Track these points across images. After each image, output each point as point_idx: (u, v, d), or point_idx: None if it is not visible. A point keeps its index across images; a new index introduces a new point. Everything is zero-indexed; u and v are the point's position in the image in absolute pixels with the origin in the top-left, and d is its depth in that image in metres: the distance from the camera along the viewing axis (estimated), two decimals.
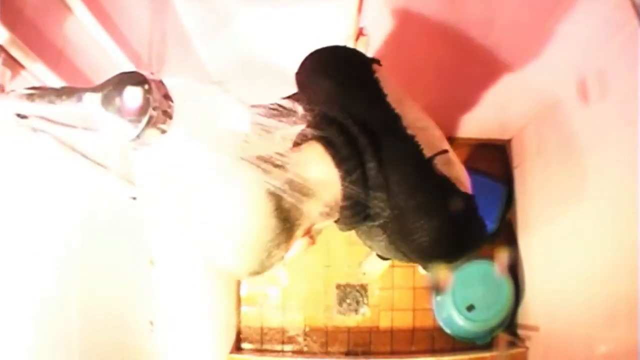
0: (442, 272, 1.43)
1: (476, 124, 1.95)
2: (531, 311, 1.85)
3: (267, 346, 1.99)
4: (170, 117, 0.47)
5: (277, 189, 0.55)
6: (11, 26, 0.59)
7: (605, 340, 1.32)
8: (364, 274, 2.01)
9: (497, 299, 1.83)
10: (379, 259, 1.88)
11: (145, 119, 0.45)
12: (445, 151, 0.70)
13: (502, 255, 1.87)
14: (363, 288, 2.03)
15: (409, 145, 0.67)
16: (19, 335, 0.65)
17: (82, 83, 0.76)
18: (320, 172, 0.63)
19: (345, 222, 0.68)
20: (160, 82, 0.47)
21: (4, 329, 0.62)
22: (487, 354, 1.88)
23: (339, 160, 0.63)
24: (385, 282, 2.01)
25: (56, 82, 0.69)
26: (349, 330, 2.01)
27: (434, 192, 0.66)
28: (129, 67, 0.91)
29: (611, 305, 1.30)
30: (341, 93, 0.71)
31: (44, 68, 0.66)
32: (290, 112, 0.65)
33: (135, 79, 0.46)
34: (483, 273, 1.84)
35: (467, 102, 1.80)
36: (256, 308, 2.01)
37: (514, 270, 1.91)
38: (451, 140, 2.00)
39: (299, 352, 1.98)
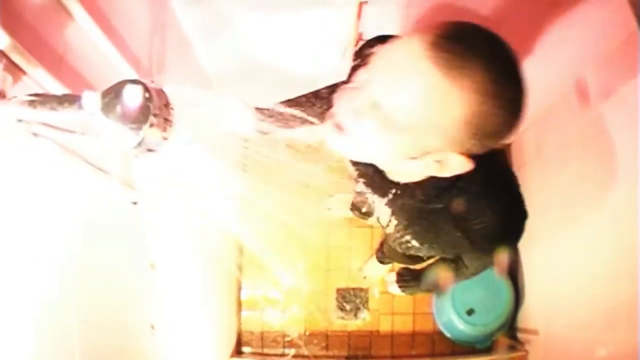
0: (442, 273, 1.43)
1: None
2: (531, 315, 1.85)
3: (267, 350, 1.99)
4: (171, 124, 0.47)
5: None
6: (12, 32, 0.59)
7: (605, 344, 1.32)
8: (365, 278, 2.01)
9: (497, 302, 1.83)
10: (379, 263, 1.88)
11: (146, 127, 0.45)
12: None
13: (502, 258, 1.86)
14: (363, 292, 2.03)
15: None
16: (19, 339, 0.66)
17: (83, 88, 0.77)
18: None
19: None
20: (161, 90, 0.47)
21: (5, 333, 0.63)
22: (487, 358, 1.88)
23: None
24: (385, 286, 2.01)
25: (57, 87, 0.69)
26: (349, 334, 2.01)
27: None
28: (129, 72, 0.92)
29: (611, 309, 1.30)
30: None
31: (45, 74, 0.66)
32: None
33: (135, 87, 0.47)
34: (483, 277, 1.83)
35: None
36: (257, 312, 2.01)
37: (514, 274, 1.91)
38: None
39: (300, 356, 1.97)
